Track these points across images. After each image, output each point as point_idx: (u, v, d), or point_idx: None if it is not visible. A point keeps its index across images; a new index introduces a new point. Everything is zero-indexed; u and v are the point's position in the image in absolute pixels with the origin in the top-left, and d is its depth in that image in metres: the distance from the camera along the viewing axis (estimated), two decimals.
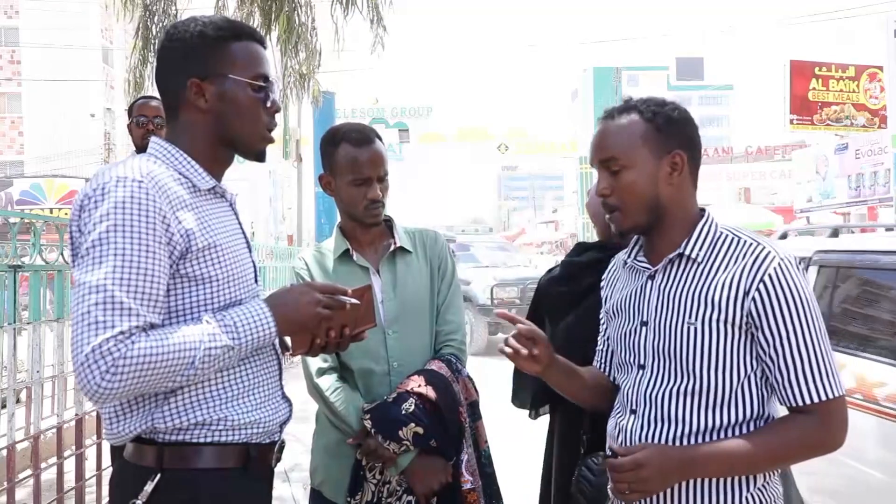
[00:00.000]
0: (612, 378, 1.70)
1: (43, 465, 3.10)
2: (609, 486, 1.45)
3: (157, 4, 7.19)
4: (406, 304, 2.02)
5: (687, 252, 1.47)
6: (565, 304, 2.20)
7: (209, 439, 1.37)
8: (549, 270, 2.44)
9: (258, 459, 1.44)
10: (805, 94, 20.47)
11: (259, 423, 1.43)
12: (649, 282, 1.53)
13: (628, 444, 1.48)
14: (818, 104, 20.49)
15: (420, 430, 1.84)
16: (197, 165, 1.44)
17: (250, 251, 1.54)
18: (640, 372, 1.51)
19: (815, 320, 1.38)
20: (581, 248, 2.36)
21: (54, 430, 3.25)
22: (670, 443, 1.43)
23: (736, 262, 1.42)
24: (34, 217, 3.68)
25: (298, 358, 1.79)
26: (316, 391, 1.97)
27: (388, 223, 2.11)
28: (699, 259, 1.46)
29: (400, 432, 1.83)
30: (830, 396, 1.36)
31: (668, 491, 1.43)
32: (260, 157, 1.53)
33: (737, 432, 1.40)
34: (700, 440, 1.41)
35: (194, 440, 1.36)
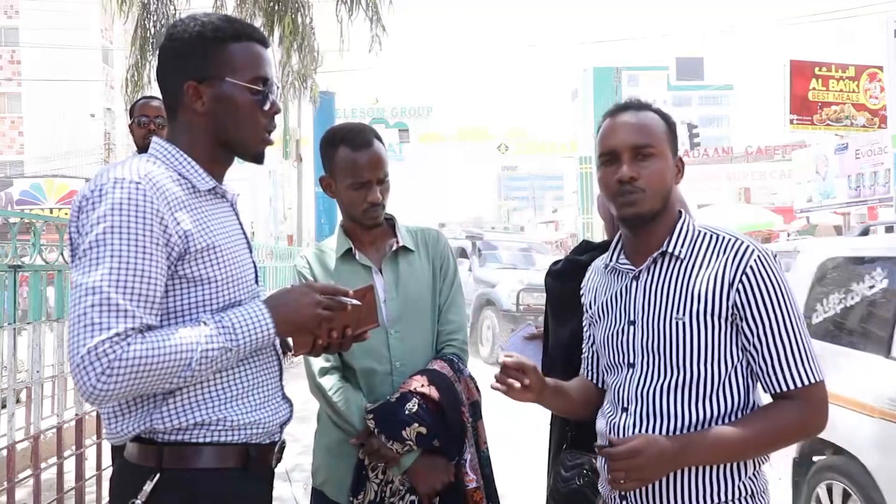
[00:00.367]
0: (599, 383, 1.73)
1: (43, 465, 3.10)
2: (605, 478, 1.47)
3: (155, 4, 7.19)
4: (409, 304, 2.02)
5: (670, 250, 1.53)
6: (569, 302, 2.20)
7: (209, 439, 1.37)
8: (554, 263, 2.44)
9: (258, 460, 1.43)
10: (805, 94, 20.47)
11: (259, 423, 1.43)
12: (634, 282, 1.57)
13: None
14: (818, 104, 20.48)
15: (423, 429, 1.84)
16: (197, 166, 1.44)
17: (251, 252, 1.53)
18: (630, 370, 1.54)
19: (795, 309, 1.46)
20: (586, 246, 2.36)
21: (54, 430, 3.25)
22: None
23: (718, 256, 1.48)
24: (34, 217, 3.69)
25: (299, 358, 1.79)
26: (319, 391, 1.97)
27: (391, 222, 2.11)
28: (682, 256, 1.52)
29: (403, 432, 1.83)
30: (813, 381, 1.43)
31: (665, 481, 1.46)
32: (258, 158, 1.53)
33: (726, 422, 1.45)
34: (691, 432, 1.45)
35: (194, 440, 1.36)
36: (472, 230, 13.20)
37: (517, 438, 4.21)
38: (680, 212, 1.59)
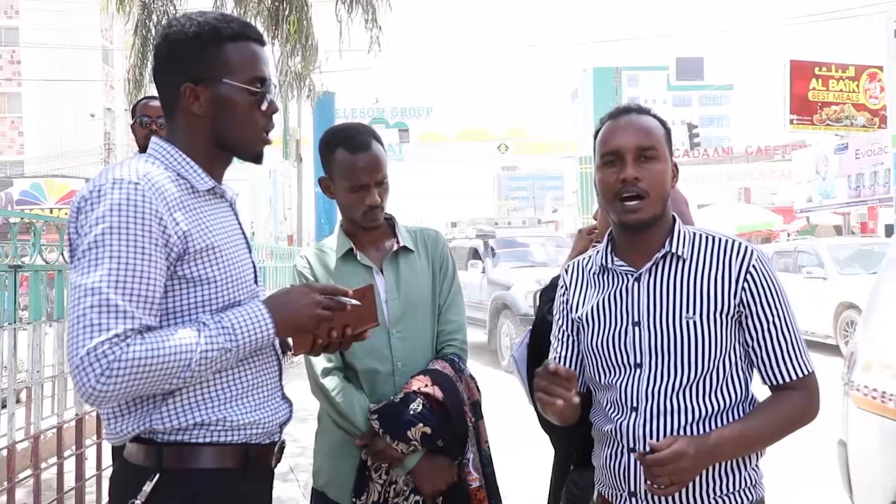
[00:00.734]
0: (582, 388, 1.65)
1: (43, 465, 3.10)
2: (644, 485, 1.46)
3: (156, 3, 7.20)
4: (410, 304, 2.02)
5: (674, 250, 1.54)
6: None
7: (208, 439, 1.37)
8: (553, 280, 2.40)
9: (258, 460, 1.44)
10: (805, 94, 20.49)
11: (259, 423, 1.43)
12: (636, 283, 1.56)
13: (633, 441, 1.51)
14: (818, 104, 20.51)
15: (428, 430, 1.84)
16: (196, 166, 1.44)
17: (250, 252, 1.53)
18: (638, 370, 1.53)
19: (790, 305, 1.55)
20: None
21: (54, 430, 3.25)
22: (672, 433, 1.47)
23: (720, 257, 1.53)
24: (34, 217, 3.69)
25: (299, 358, 1.79)
26: (321, 391, 1.96)
27: (390, 222, 2.11)
28: (685, 256, 1.54)
29: (408, 432, 1.83)
30: (809, 371, 1.53)
31: None
32: (257, 159, 1.52)
33: (730, 415, 1.51)
34: (699, 427, 1.49)
35: (194, 440, 1.36)
36: (482, 228, 12.17)
37: (517, 438, 4.21)
38: (673, 216, 1.60)
